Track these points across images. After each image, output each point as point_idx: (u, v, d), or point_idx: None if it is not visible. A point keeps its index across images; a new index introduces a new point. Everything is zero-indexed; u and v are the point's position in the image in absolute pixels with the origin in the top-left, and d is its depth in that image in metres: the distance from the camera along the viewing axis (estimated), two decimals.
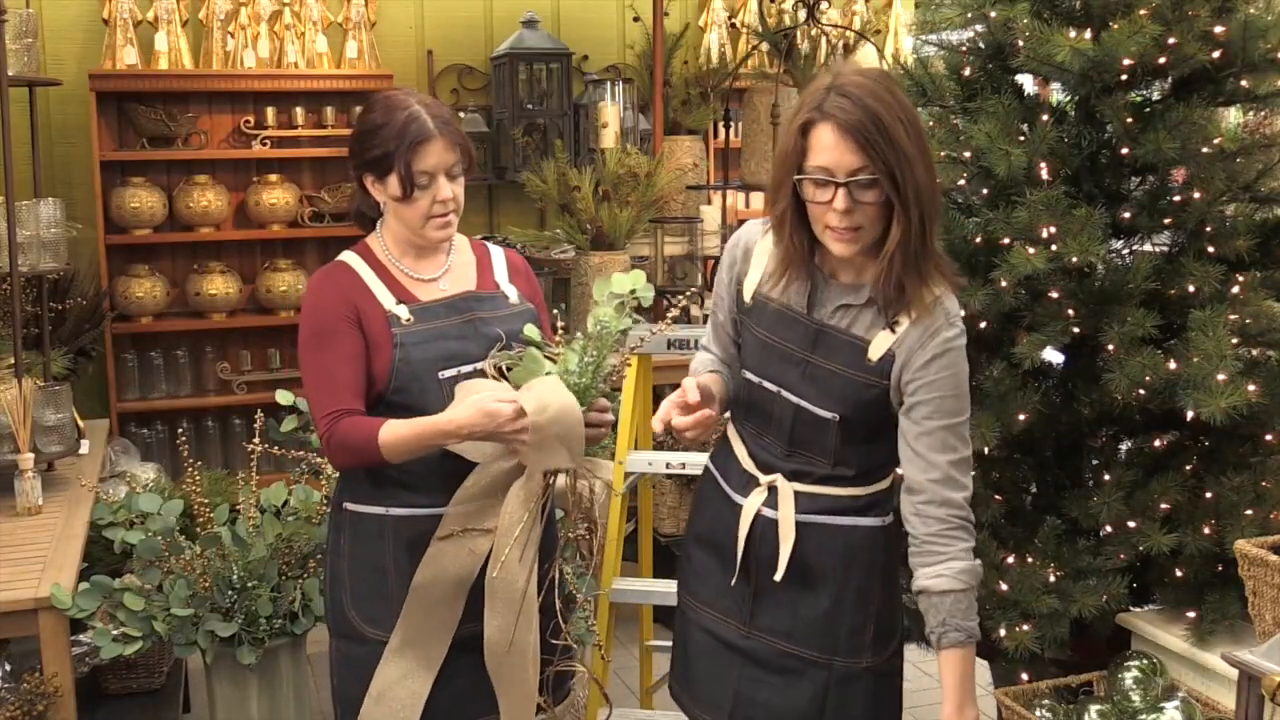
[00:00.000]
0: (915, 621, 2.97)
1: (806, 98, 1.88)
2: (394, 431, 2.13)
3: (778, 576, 2.02)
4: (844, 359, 1.97)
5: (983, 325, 2.77)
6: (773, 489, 2.05)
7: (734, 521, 2.09)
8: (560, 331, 2.24)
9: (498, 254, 2.43)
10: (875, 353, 1.96)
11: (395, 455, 2.15)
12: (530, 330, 2.24)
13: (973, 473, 2.00)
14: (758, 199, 5.41)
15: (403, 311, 2.23)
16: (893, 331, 1.94)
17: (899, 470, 2.03)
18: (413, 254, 2.30)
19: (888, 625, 2.10)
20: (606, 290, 2.16)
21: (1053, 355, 2.90)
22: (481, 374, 2.22)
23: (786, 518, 2.03)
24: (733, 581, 2.10)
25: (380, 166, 2.20)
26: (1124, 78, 2.70)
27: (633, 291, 2.15)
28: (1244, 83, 2.79)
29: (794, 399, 2.00)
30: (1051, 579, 2.72)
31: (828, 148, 1.84)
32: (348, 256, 2.29)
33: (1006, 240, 2.73)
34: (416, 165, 2.18)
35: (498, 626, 2.17)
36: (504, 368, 2.19)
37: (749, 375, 2.08)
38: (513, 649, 2.17)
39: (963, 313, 2.02)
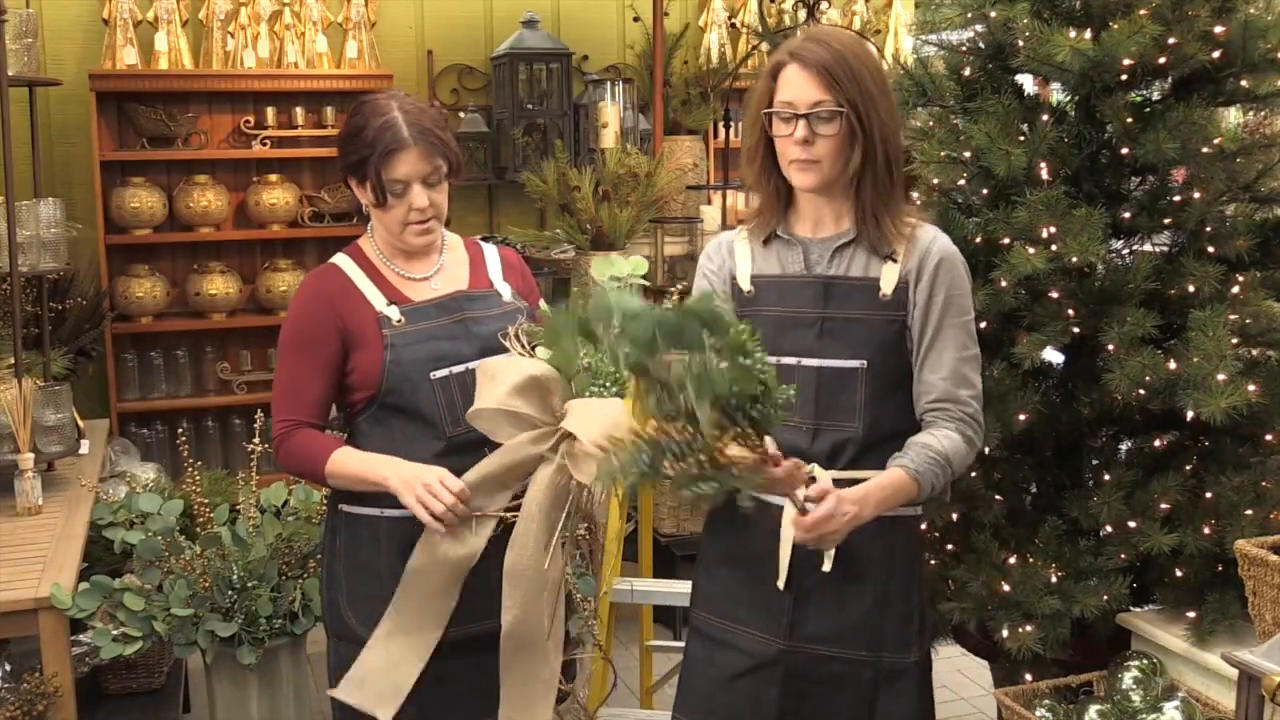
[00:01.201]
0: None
1: (781, 47, 2.05)
2: (344, 462, 2.19)
3: (826, 567, 2.02)
4: (860, 303, 2.03)
5: (983, 325, 2.77)
6: (811, 481, 2.03)
7: (770, 526, 2.06)
8: None
9: (491, 252, 2.43)
10: (888, 286, 2.02)
11: (337, 484, 2.22)
12: (545, 308, 2.24)
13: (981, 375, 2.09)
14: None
15: (393, 313, 2.23)
16: (895, 262, 2.03)
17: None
18: (403, 254, 2.30)
19: (926, 619, 2.12)
20: (608, 270, 2.17)
21: (1053, 355, 2.90)
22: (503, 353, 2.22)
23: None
24: (780, 584, 2.06)
25: (358, 172, 2.21)
26: (1124, 78, 2.70)
27: (631, 274, 2.16)
28: (1244, 83, 2.79)
29: (814, 363, 2.03)
30: (1053, 579, 2.71)
31: (792, 83, 1.99)
32: (339, 259, 2.30)
33: (1006, 240, 2.73)
34: (388, 174, 2.17)
35: (517, 616, 2.13)
36: (527, 342, 2.19)
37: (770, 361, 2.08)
38: (536, 638, 2.14)
39: None
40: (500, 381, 2.11)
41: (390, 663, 2.21)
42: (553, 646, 2.17)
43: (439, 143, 2.20)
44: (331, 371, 2.24)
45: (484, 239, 2.61)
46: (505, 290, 2.36)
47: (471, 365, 2.24)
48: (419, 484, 2.10)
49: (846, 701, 2.06)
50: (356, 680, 2.23)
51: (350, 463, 2.20)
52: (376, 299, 2.25)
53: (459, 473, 2.16)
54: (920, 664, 2.09)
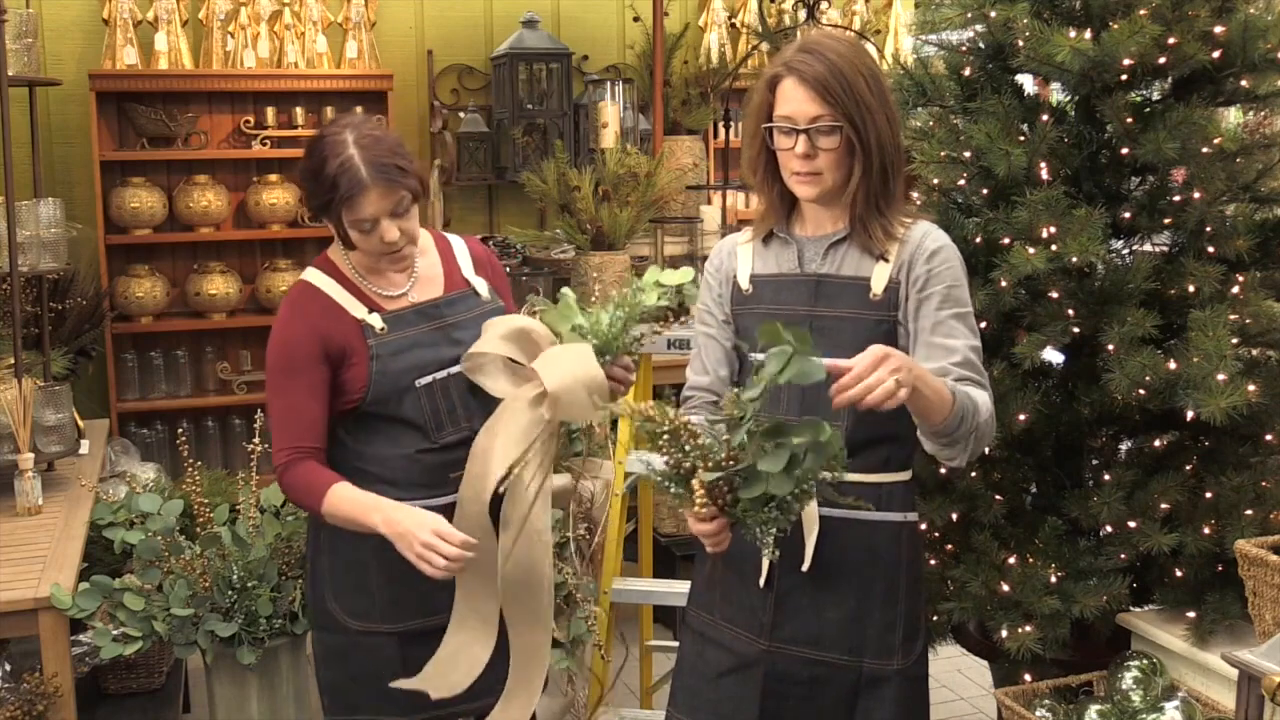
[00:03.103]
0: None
1: (777, 57, 2.04)
2: (338, 501, 2.18)
3: (805, 566, 2.01)
4: (849, 302, 2.03)
5: (983, 325, 2.77)
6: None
7: None
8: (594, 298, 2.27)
9: (460, 246, 2.43)
10: (878, 286, 2.02)
11: (333, 520, 2.22)
12: (568, 293, 2.26)
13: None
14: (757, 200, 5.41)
15: (376, 320, 2.24)
16: (887, 261, 2.03)
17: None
18: (376, 272, 2.30)
19: (914, 626, 2.09)
20: (655, 278, 2.20)
21: (1053, 355, 2.90)
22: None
23: (809, 507, 2.01)
24: (761, 581, 2.07)
25: (324, 213, 2.20)
26: (1124, 78, 2.70)
27: (680, 287, 2.20)
28: (1244, 83, 2.79)
29: None
30: (1052, 579, 2.71)
31: (790, 98, 1.99)
32: (313, 276, 2.28)
33: (1006, 240, 2.73)
34: (352, 216, 2.16)
35: (510, 554, 2.16)
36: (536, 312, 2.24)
37: (757, 356, 2.08)
38: (527, 577, 2.17)
39: None
40: (494, 330, 2.19)
41: (463, 642, 2.24)
42: (546, 587, 2.21)
43: (399, 174, 2.16)
44: (324, 393, 2.23)
45: (484, 239, 2.61)
46: (482, 286, 2.37)
47: (454, 370, 2.27)
48: (416, 542, 2.10)
49: (827, 705, 2.06)
50: (437, 661, 2.24)
51: (343, 505, 2.19)
52: (356, 308, 2.25)
53: (441, 466, 2.19)
54: (905, 672, 2.06)
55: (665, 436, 1.79)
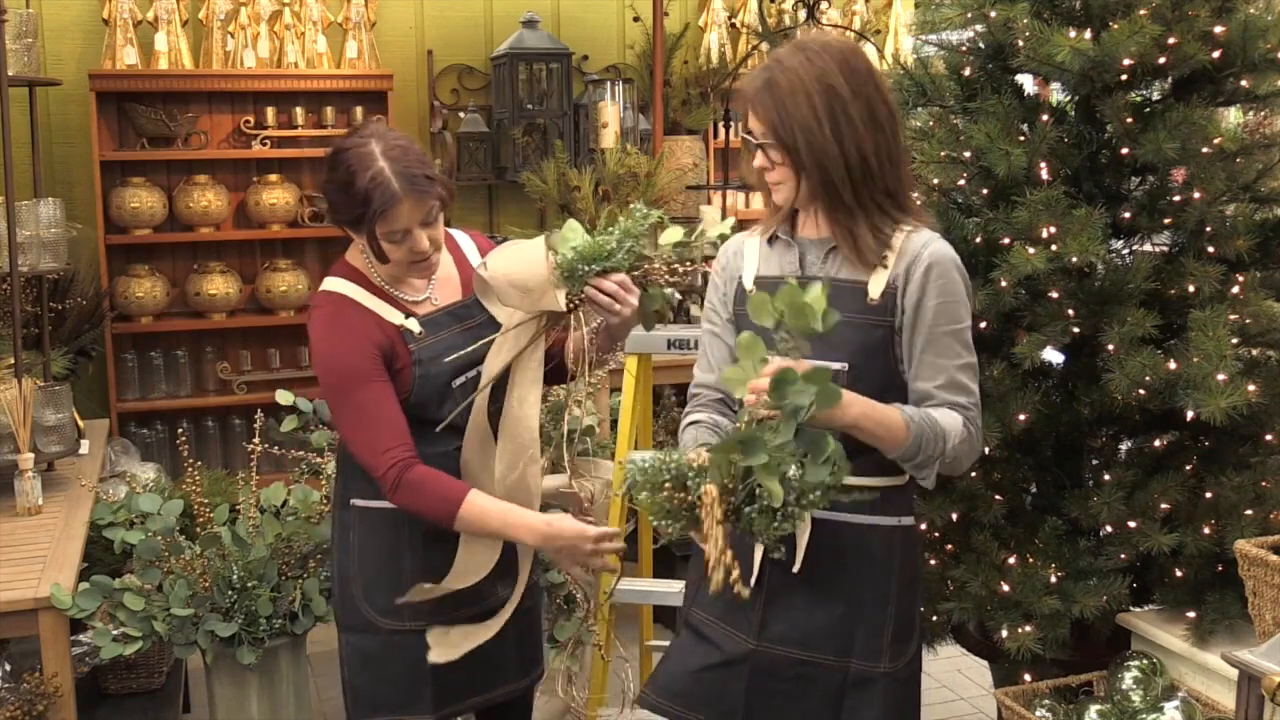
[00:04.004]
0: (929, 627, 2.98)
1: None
2: (478, 511, 2.17)
3: (796, 568, 2.01)
4: (845, 305, 2.02)
5: (983, 325, 2.77)
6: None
7: None
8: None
9: (468, 244, 2.44)
10: (875, 290, 2.02)
11: (465, 529, 2.20)
12: (572, 223, 2.27)
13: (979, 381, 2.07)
14: (758, 199, 5.41)
15: (413, 325, 2.25)
16: (885, 268, 2.03)
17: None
18: (399, 277, 2.30)
19: (906, 629, 2.09)
20: (700, 228, 2.23)
21: (1053, 355, 2.90)
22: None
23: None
24: (752, 580, 2.07)
25: (354, 227, 2.20)
26: (1124, 78, 2.70)
27: (723, 236, 2.24)
28: (1244, 83, 2.79)
29: None
30: (1052, 579, 2.72)
31: (746, 114, 2.07)
32: (341, 286, 2.26)
33: (1006, 240, 2.73)
34: (385, 229, 2.15)
35: (508, 463, 2.23)
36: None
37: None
38: (516, 482, 2.23)
39: None
40: (498, 252, 2.23)
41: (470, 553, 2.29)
42: (534, 493, 2.26)
43: (428, 184, 2.16)
44: (394, 394, 2.21)
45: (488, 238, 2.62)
46: None
47: (483, 367, 2.28)
48: (583, 552, 2.17)
49: (813, 704, 2.06)
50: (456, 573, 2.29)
51: (486, 514, 2.17)
52: (393, 314, 2.25)
53: (479, 462, 2.25)
54: (893, 674, 2.06)
55: (668, 481, 1.78)
